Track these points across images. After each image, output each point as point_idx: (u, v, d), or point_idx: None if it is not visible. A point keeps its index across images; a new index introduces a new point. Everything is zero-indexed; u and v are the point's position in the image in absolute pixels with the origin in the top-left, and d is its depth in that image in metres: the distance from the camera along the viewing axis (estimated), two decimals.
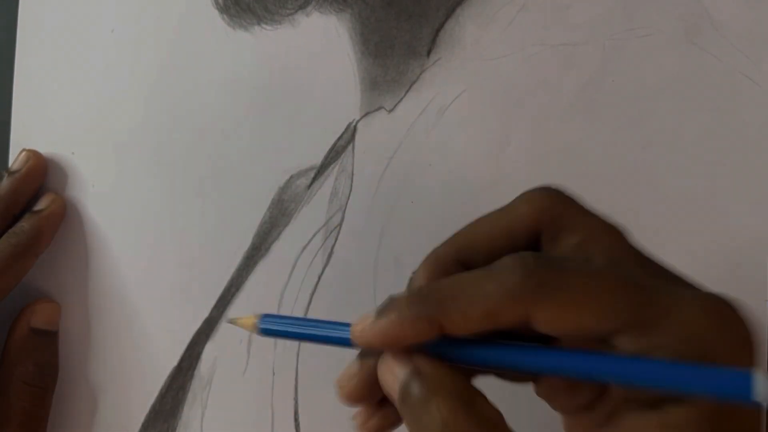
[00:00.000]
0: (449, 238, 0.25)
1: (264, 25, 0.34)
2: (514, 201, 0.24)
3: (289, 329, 0.25)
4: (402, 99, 0.34)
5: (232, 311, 0.34)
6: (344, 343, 0.23)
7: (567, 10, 0.33)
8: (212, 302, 0.34)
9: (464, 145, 0.33)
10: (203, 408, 0.34)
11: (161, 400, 0.34)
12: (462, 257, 0.24)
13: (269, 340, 0.34)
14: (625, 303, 0.21)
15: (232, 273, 0.34)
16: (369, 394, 0.23)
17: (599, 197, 0.32)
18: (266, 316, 0.25)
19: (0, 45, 0.36)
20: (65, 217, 0.35)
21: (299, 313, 0.34)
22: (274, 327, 0.25)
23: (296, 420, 0.33)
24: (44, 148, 0.35)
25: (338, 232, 0.34)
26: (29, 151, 0.35)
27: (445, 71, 0.34)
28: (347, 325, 0.23)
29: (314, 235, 0.34)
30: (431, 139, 0.34)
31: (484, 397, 0.22)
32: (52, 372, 0.34)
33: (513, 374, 0.25)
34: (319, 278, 0.34)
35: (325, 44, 0.34)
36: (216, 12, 0.35)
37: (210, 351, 0.34)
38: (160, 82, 0.35)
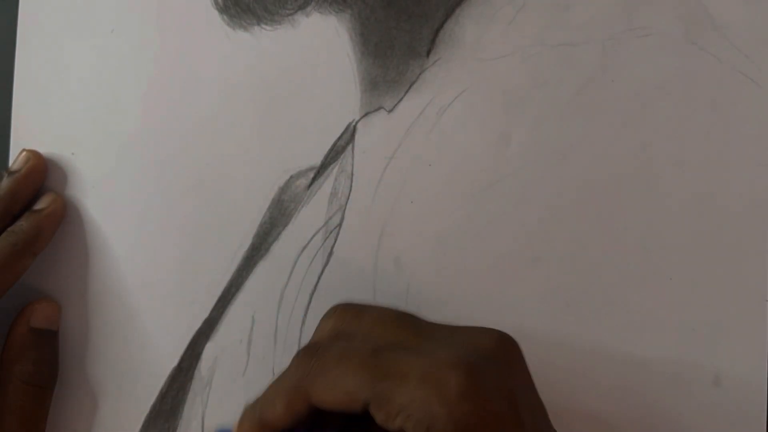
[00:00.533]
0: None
1: (264, 26, 0.34)
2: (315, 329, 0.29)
3: None
4: (402, 99, 0.34)
5: (232, 311, 0.34)
6: None
7: (567, 10, 0.33)
8: (212, 302, 0.34)
9: (464, 145, 0.33)
10: (203, 408, 0.34)
11: (161, 400, 0.34)
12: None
13: (269, 340, 0.34)
14: (366, 378, 0.25)
15: (232, 273, 0.34)
16: None
17: (599, 197, 0.32)
18: None
19: (0, 44, 0.36)
20: (65, 218, 0.35)
21: (299, 313, 0.34)
22: None
23: None
24: (44, 148, 0.35)
25: (338, 232, 0.34)
26: (29, 151, 0.35)
27: (445, 71, 0.34)
28: None
29: (314, 235, 0.34)
30: (431, 139, 0.34)
31: None
32: (51, 371, 0.34)
33: None
34: (319, 278, 0.34)
35: (325, 44, 0.34)
36: (216, 12, 0.35)
37: (210, 351, 0.34)
38: (159, 82, 0.35)
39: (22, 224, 0.33)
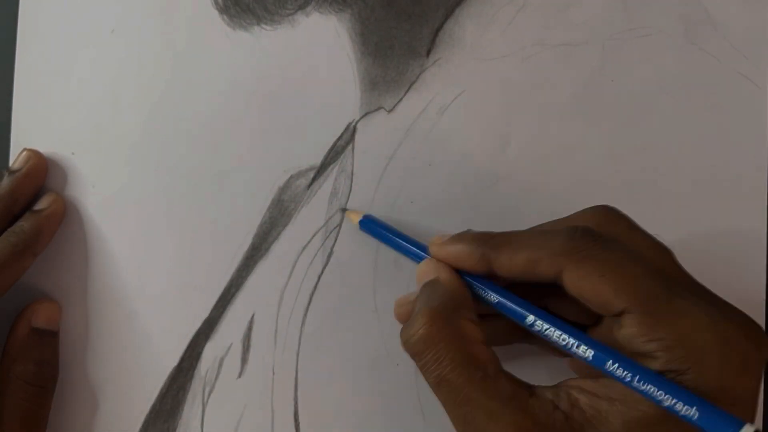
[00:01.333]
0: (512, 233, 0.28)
1: (264, 26, 0.34)
2: (571, 215, 0.28)
3: (382, 232, 0.32)
4: (402, 99, 0.34)
5: (232, 311, 0.34)
6: (418, 255, 0.30)
7: (567, 10, 0.33)
8: (212, 302, 0.34)
9: (464, 145, 0.33)
10: (203, 408, 0.34)
11: (161, 400, 0.34)
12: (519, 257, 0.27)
13: (269, 340, 0.34)
14: (640, 289, 0.24)
15: (232, 273, 0.34)
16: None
17: (599, 197, 0.32)
18: (367, 216, 0.33)
19: (0, 45, 0.36)
20: (65, 218, 0.35)
21: (300, 313, 0.34)
22: (369, 228, 0.32)
23: (296, 420, 0.33)
24: (44, 149, 0.35)
25: (338, 232, 0.34)
26: (30, 150, 0.35)
27: (445, 71, 0.34)
28: (423, 245, 0.30)
29: (314, 235, 0.34)
30: (431, 139, 0.34)
31: (471, 320, 0.26)
32: (52, 371, 0.34)
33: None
34: (319, 278, 0.34)
35: (325, 44, 0.34)
36: (216, 12, 0.35)
37: (210, 351, 0.34)
38: (159, 83, 0.35)
39: (23, 225, 0.33)
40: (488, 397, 0.24)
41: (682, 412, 0.22)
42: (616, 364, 0.24)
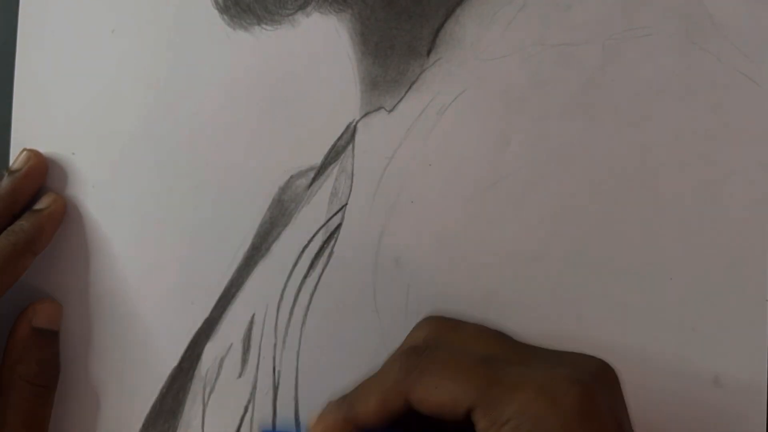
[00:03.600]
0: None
1: (264, 26, 0.34)
2: (407, 336, 0.30)
3: None
4: (402, 99, 0.34)
5: (233, 311, 0.34)
6: None
7: (567, 10, 0.33)
8: (212, 302, 0.34)
9: (464, 145, 0.33)
10: (204, 408, 0.34)
11: (162, 400, 0.34)
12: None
13: (269, 340, 0.34)
14: (474, 383, 0.25)
15: (232, 273, 0.34)
16: None
17: (599, 197, 0.32)
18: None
19: (0, 45, 0.36)
20: (66, 217, 0.35)
21: (300, 313, 0.34)
22: None
23: (296, 420, 0.33)
24: (45, 148, 0.35)
25: (338, 232, 0.34)
26: (30, 150, 0.35)
27: (445, 71, 0.34)
28: None
29: (314, 235, 0.34)
30: (431, 139, 0.34)
31: None
32: (53, 371, 0.34)
33: None
34: (319, 278, 0.34)
35: (325, 44, 0.34)
36: (216, 12, 0.35)
37: (210, 351, 0.34)
38: (160, 83, 0.35)
39: (23, 224, 0.33)
40: None
41: None
42: None
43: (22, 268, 0.33)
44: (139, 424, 0.34)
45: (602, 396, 0.25)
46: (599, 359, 0.27)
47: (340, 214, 0.34)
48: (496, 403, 0.24)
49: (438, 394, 0.25)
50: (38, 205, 0.34)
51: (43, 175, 0.35)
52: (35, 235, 0.33)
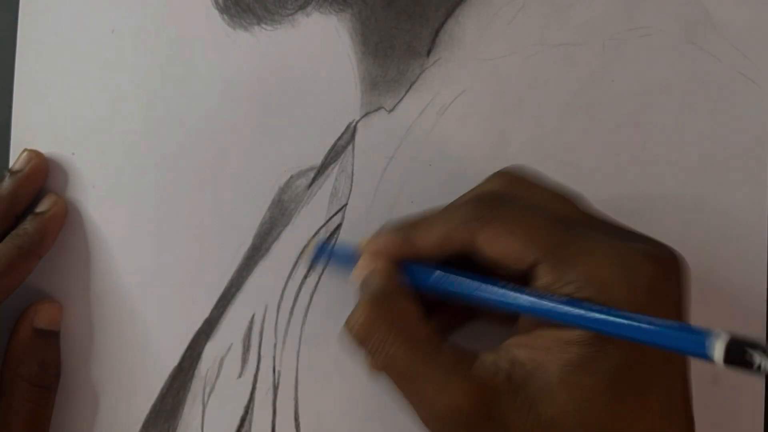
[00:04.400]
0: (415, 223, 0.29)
1: (264, 25, 0.34)
2: (478, 185, 0.29)
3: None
4: (402, 99, 0.34)
5: (233, 311, 0.34)
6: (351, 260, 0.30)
7: (567, 10, 0.33)
8: (213, 302, 0.34)
9: (464, 145, 0.33)
10: (204, 408, 0.34)
11: (162, 400, 0.34)
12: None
13: (269, 340, 0.34)
14: (546, 239, 0.25)
15: (232, 273, 0.34)
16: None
17: (599, 197, 0.32)
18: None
19: (0, 45, 0.36)
20: (66, 218, 0.35)
21: (300, 313, 0.34)
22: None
23: (296, 420, 0.33)
24: (45, 149, 0.35)
25: (338, 232, 0.34)
26: (31, 151, 0.35)
27: (445, 71, 0.34)
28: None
29: (314, 235, 0.34)
30: (431, 139, 0.34)
31: (408, 299, 0.27)
32: (55, 372, 0.34)
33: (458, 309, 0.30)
34: (319, 278, 0.34)
35: (325, 44, 0.34)
36: (216, 12, 0.35)
37: (210, 351, 0.34)
38: (160, 82, 0.35)
39: (27, 227, 0.33)
40: (433, 369, 0.25)
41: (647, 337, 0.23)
42: (556, 304, 0.24)
43: (27, 271, 0.34)
44: (138, 424, 0.34)
45: (672, 280, 0.25)
46: (675, 250, 0.26)
47: (340, 214, 0.34)
48: (565, 263, 0.24)
49: (505, 243, 0.25)
50: (40, 208, 0.34)
51: (44, 176, 0.35)
52: (40, 238, 0.33)
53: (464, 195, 0.29)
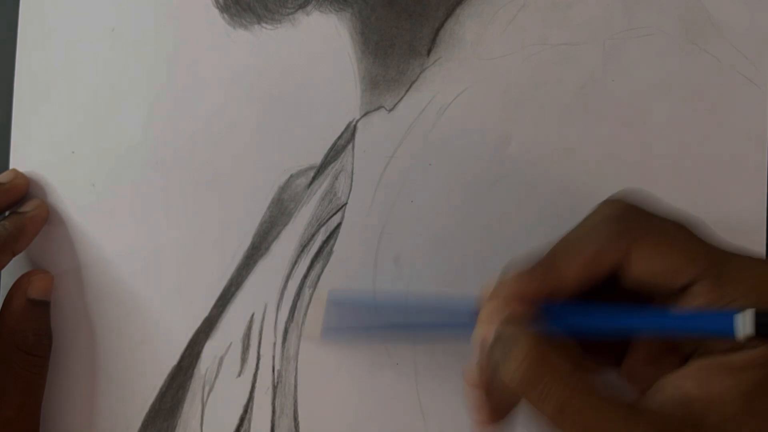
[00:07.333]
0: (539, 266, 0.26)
1: (264, 25, 0.34)
2: (590, 214, 0.26)
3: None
4: (402, 98, 0.34)
5: (232, 310, 0.34)
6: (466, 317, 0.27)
7: (567, 10, 0.33)
8: (212, 301, 0.34)
9: (464, 145, 0.33)
10: (203, 407, 0.34)
11: (161, 398, 0.34)
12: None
13: (269, 340, 0.34)
14: (705, 254, 0.23)
15: (232, 272, 0.34)
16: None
17: (599, 197, 0.32)
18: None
19: (0, 44, 0.36)
20: (65, 217, 0.35)
21: (300, 313, 0.34)
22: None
23: (296, 420, 0.33)
24: (44, 147, 0.35)
25: (338, 232, 0.34)
26: (14, 170, 0.35)
27: (445, 71, 0.34)
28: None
29: (314, 235, 0.34)
30: (431, 139, 0.34)
31: (559, 350, 0.24)
32: (48, 341, 0.34)
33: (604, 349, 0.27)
34: (319, 278, 0.34)
35: (326, 43, 0.34)
36: (216, 11, 0.35)
37: (210, 350, 0.34)
38: (160, 82, 0.35)
39: (5, 223, 0.34)
40: (618, 418, 0.22)
41: None
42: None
43: (0, 264, 0.34)
44: (138, 423, 0.34)
45: None
46: None
47: (339, 214, 0.34)
48: (727, 279, 0.23)
49: (662, 259, 0.23)
50: (22, 208, 0.35)
51: (24, 190, 0.35)
52: (16, 234, 0.34)
53: (582, 224, 0.26)
